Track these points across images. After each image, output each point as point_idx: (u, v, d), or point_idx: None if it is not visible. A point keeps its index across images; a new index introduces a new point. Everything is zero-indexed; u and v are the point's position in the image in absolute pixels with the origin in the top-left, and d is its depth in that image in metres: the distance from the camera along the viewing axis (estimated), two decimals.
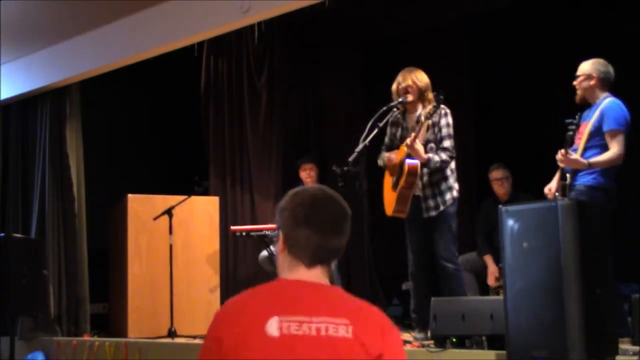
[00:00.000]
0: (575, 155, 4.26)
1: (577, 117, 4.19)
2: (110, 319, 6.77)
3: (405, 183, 4.75)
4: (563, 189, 4.28)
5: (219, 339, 1.79)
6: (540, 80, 6.28)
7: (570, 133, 4.16)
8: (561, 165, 4.27)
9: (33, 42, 6.60)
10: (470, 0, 6.38)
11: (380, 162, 5.01)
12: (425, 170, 4.75)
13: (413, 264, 4.91)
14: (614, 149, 4.26)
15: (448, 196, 4.78)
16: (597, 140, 4.34)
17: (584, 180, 4.30)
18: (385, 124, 4.87)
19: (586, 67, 4.49)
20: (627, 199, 5.42)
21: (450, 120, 4.82)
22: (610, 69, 4.47)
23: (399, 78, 4.90)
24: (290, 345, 1.73)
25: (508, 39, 6.50)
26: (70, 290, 6.61)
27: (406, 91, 4.84)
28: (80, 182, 6.83)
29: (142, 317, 6.03)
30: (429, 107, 4.69)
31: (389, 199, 4.90)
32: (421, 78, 4.87)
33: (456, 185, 4.86)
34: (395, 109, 4.92)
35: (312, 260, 1.87)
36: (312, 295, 1.82)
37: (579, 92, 4.50)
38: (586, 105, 4.51)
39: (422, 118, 4.75)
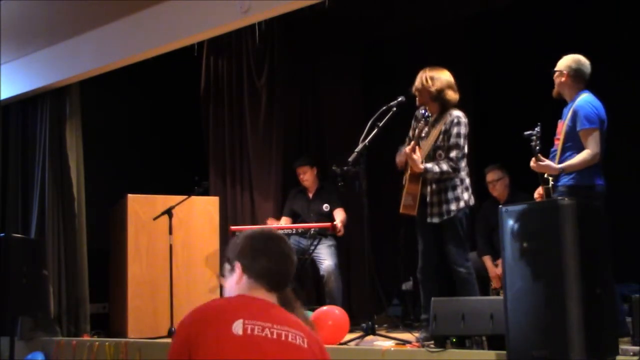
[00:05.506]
0: (547, 162, 4.24)
1: (536, 128, 4.15)
2: (110, 319, 6.76)
3: (408, 184, 4.76)
4: (547, 192, 4.26)
5: (188, 338, 1.94)
6: (540, 80, 6.26)
7: (533, 144, 4.15)
8: (537, 171, 4.26)
9: (33, 42, 6.59)
10: (470, 0, 6.37)
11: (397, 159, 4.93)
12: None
13: (420, 263, 4.86)
14: (588, 149, 4.20)
15: (453, 206, 4.70)
16: (574, 140, 4.29)
17: (564, 181, 4.26)
18: (385, 124, 4.86)
19: (560, 63, 4.44)
20: (627, 199, 5.42)
21: (462, 130, 4.71)
22: (583, 66, 4.38)
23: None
24: (254, 343, 1.92)
25: (508, 38, 6.50)
26: (70, 290, 6.60)
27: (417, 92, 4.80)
28: (80, 182, 6.82)
29: (142, 317, 6.02)
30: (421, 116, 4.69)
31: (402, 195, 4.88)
32: (434, 79, 4.76)
33: (465, 196, 4.76)
34: (395, 108, 4.90)
35: (270, 285, 2.12)
36: (273, 310, 2.06)
37: (555, 87, 4.47)
38: (564, 101, 4.47)
39: (422, 126, 4.74)
